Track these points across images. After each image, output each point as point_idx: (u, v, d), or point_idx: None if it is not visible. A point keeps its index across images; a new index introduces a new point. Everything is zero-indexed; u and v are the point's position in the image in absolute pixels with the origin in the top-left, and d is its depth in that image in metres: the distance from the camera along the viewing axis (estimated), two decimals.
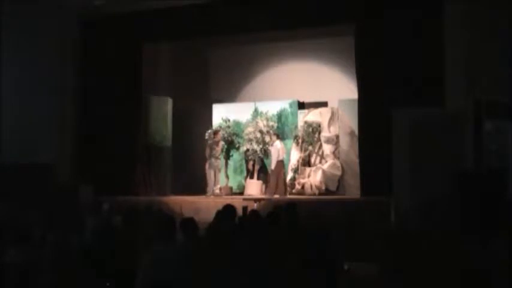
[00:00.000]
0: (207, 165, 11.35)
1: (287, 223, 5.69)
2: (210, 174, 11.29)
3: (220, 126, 12.04)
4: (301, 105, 12.18)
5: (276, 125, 11.81)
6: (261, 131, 11.65)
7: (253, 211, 6.78)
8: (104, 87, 11.60)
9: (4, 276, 4.76)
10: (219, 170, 11.42)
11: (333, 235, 5.38)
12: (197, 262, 4.35)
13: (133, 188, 11.32)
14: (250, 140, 11.73)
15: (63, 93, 11.48)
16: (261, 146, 11.56)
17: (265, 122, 11.78)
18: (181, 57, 13.34)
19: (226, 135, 11.91)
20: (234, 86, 13.33)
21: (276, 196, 10.48)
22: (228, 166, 11.98)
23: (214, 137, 11.43)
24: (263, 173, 11.58)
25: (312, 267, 4.68)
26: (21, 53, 11.39)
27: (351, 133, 11.19)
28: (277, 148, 10.88)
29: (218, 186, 11.34)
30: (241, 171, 12.19)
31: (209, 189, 11.26)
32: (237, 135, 12.13)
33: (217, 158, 11.34)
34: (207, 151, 11.41)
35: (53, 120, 11.26)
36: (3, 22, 11.30)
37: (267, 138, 11.39)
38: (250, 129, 11.85)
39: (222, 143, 11.59)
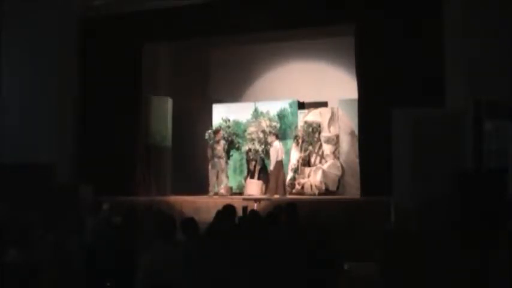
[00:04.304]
0: (209, 166, 11.37)
1: (287, 223, 5.69)
2: (212, 174, 11.31)
3: (221, 126, 12.03)
4: (301, 105, 12.17)
5: (278, 125, 11.79)
6: (263, 131, 11.63)
7: (253, 211, 6.79)
8: (104, 87, 11.59)
9: (4, 276, 4.76)
10: (223, 170, 11.37)
11: (333, 235, 5.38)
12: (197, 262, 4.35)
13: (133, 188, 11.30)
14: (252, 140, 11.70)
15: (63, 93, 11.47)
16: (263, 146, 11.54)
17: (268, 122, 11.76)
18: (181, 57, 13.34)
19: (226, 135, 11.90)
20: (234, 86, 13.32)
21: (276, 196, 10.48)
22: (228, 166, 11.96)
23: (215, 137, 11.43)
24: (264, 173, 11.56)
25: (312, 267, 4.69)
26: (21, 53, 11.39)
27: (351, 133, 11.20)
28: (276, 148, 10.88)
29: (222, 186, 11.29)
30: (241, 171, 12.18)
31: (211, 189, 11.28)
32: (237, 135, 12.12)
33: (220, 157, 11.31)
34: (209, 151, 11.42)
35: (53, 120, 11.24)
36: (3, 22, 11.30)
37: (269, 139, 11.36)
38: (252, 129, 11.82)
39: (223, 142, 11.58)
